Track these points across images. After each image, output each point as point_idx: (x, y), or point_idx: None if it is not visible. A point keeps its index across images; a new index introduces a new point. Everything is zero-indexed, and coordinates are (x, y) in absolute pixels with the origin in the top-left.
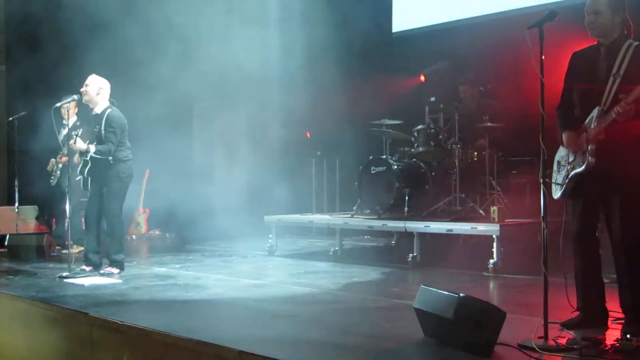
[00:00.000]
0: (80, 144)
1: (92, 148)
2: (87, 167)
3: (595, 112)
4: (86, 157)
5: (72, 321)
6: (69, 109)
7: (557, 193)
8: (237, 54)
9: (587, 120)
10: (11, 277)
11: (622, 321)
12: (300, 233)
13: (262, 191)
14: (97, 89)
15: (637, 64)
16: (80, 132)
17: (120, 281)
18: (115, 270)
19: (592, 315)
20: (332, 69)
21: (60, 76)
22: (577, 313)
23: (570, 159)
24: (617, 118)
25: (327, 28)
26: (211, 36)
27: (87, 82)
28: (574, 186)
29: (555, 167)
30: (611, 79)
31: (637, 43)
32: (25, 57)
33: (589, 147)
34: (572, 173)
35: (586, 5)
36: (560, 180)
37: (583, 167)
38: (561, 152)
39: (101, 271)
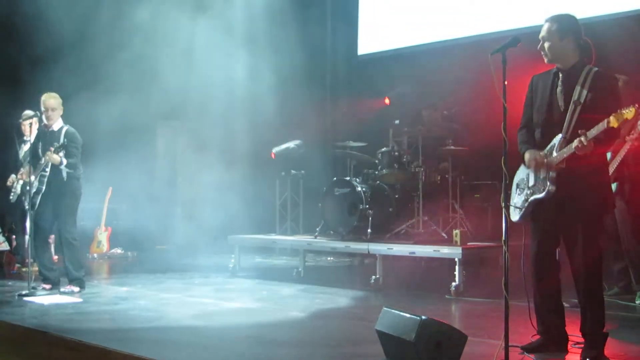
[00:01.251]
0: (56, 157)
1: (65, 161)
2: (44, 184)
3: (557, 140)
4: (45, 172)
5: (30, 340)
6: (31, 124)
7: (515, 216)
8: (204, 75)
9: (549, 147)
10: None
11: (582, 345)
12: (263, 252)
13: (225, 210)
14: (58, 108)
15: (596, 92)
16: (65, 146)
17: (81, 300)
18: (76, 289)
19: (552, 339)
20: (297, 90)
21: (21, 92)
22: (538, 337)
23: (530, 184)
24: (577, 152)
25: (294, 49)
26: (178, 56)
27: (44, 99)
28: (533, 210)
29: (514, 189)
30: (572, 106)
31: (596, 69)
32: None
33: (550, 174)
34: (532, 198)
35: None
36: (519, 204)
37: (543, 194)
38: (520, 175)
39: (62, 289)
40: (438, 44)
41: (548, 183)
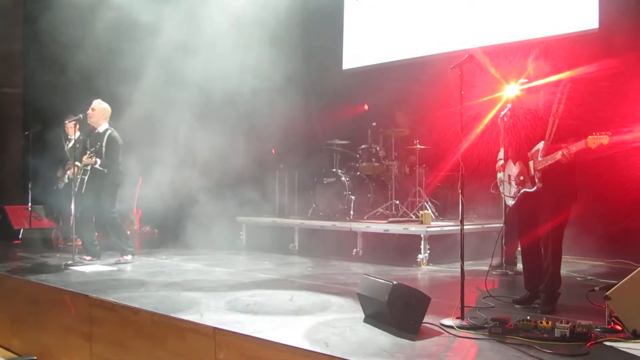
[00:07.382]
0: (91, 159)
1: (98, 161)
2: (87, 175)
3: (541, 145)
4: (87, 167)
5: (74, 302)
6: (75, 125)
7: (509, 201)
8: (216, 86)
9: (534, 150)
10: (25, 264)
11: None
12: (265, 231)
13: (234, 196)
14: (102, 114)
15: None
16: (97, 148)
17: (116, 268)
18: (129, 258)
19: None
20: (293, 98)
21: (67, 99)
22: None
23: (521, 179)
24: (561, 160)
25: (291, 65)
26: (194, 69)
27: (93, 106)
28: (523, 199)
29: (506, 179)
30: (551, 118)
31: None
32: (39, 82)
33: (537, 174)
34: (523, 190)
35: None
36: (512, 194)
37: (534, 188)
38: (513, 170)
39: (119, 260)
40: (408, 60)
41: (537, 181)
